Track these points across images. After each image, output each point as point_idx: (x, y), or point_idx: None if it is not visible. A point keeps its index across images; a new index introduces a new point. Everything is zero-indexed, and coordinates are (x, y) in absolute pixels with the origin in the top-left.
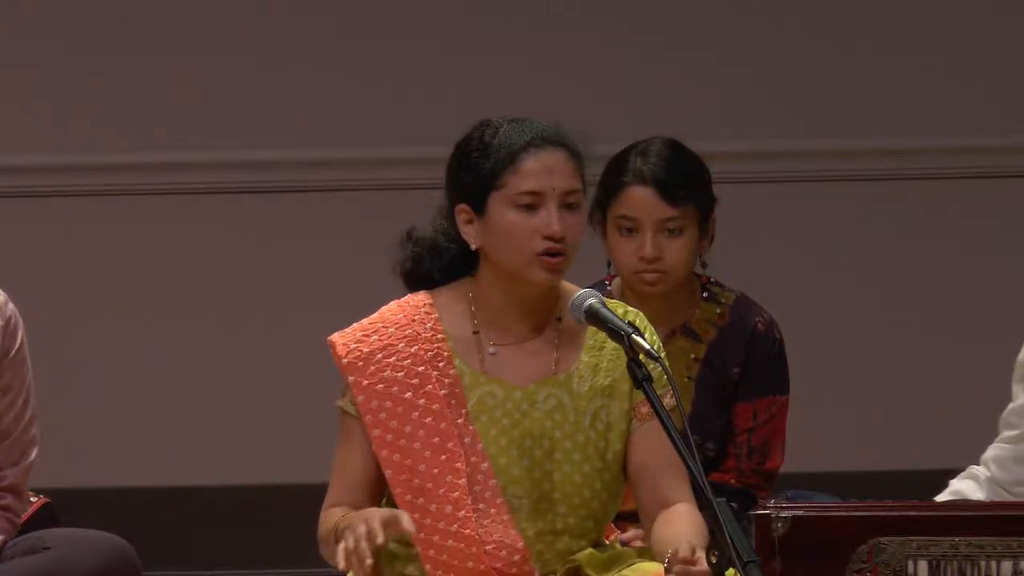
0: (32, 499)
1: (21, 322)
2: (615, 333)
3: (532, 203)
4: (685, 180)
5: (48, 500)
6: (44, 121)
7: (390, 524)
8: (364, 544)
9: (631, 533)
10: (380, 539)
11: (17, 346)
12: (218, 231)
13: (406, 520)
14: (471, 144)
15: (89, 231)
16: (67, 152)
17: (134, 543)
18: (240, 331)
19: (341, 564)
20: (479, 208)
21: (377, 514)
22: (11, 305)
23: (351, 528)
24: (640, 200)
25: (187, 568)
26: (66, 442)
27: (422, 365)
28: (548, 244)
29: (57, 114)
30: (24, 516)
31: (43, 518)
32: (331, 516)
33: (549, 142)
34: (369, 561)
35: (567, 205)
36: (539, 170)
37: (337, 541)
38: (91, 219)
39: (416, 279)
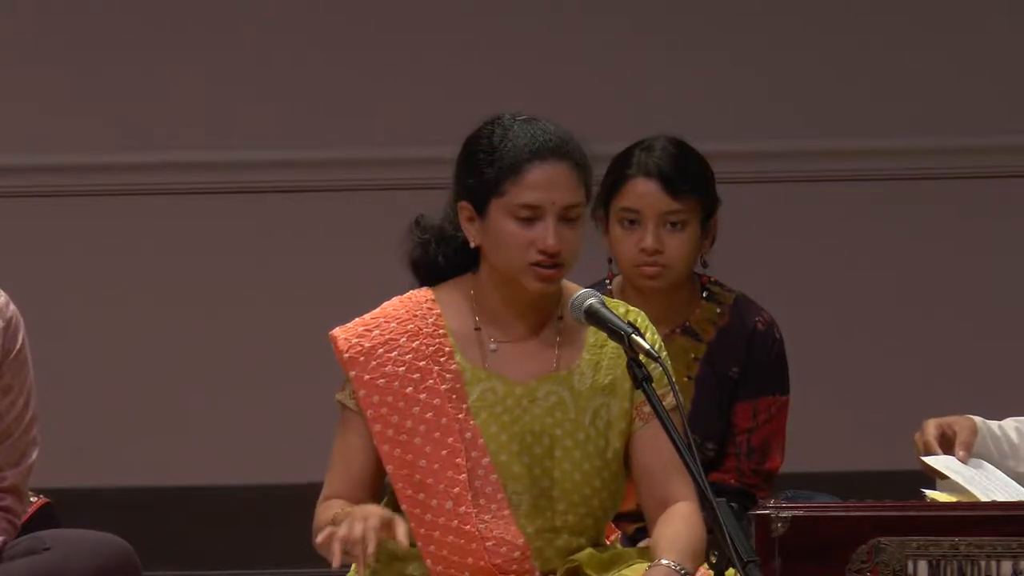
0: (32, 499)
1: (22, 323)
2: (615, 333)
3: (531, 216)
4: (689, 174)
5: (48, 500)
6: (44, 121)
7: (387, 527)
8: (359, 549)
9: (647, 542)
10: (371, 549)
11: (18, 347)
12: (218, 231)
13: (402, 532)
14: (479, 144)
15: (89, 231)
16: (67, 152)
17: (134, 543)
18: (239, 331)
19: (335, 551)
20: (480, 210)
21: (376, 515)
22: (12, 306)
23: (349, 521)
24: (643, 192)
25: (187, 568)
26: (66, 442)
27: (423, 360)
28: (542, 258)
29: (57, 114)
30: (24, 516)
31: (43, 518)
32: (329, 508)
33: (554, 153)
34: (370, 555)
35: (566, 219)
36: (541, 183)
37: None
38: (91, 219)
39: (423, 266)
